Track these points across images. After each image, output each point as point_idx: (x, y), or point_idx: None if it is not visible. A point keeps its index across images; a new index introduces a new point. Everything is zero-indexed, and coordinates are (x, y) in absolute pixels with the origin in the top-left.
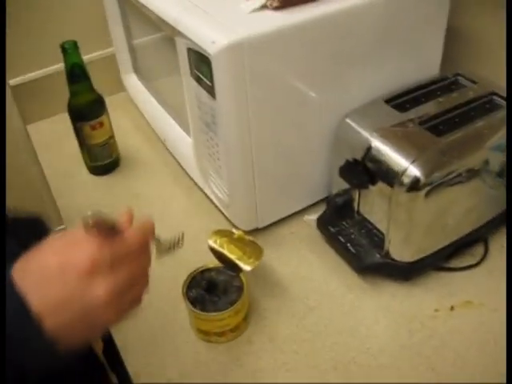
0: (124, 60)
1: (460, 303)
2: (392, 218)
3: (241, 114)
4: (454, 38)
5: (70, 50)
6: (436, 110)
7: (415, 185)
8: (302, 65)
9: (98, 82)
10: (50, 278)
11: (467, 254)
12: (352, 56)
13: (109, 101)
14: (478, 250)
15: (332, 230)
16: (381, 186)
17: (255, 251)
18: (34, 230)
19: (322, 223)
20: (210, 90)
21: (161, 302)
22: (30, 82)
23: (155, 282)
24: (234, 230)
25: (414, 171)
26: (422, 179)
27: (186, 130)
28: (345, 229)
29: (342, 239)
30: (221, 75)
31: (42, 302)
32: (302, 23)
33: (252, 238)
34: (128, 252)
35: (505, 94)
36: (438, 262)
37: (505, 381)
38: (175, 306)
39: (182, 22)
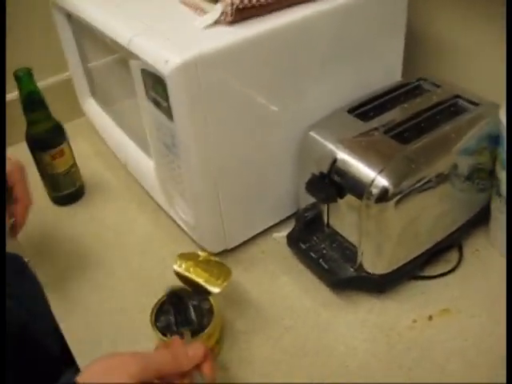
0: (81, 84)
1: (437, 312)
2: (363, 231)
3: (200, 134)
4: (414, 43)
5: (24, 78)
6: (400, 116)
7: (384, 195)
8: (258, 79)
9: (56, 109)
10: None
11: (442, 260)
12: (308, 67)
13: (68, 127)
14: (453, 255)
15: (303, 246)
16: (349, 198)
17: (223, 272)
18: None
19: (292, 240)
20: (167, 112)
21: (130, 332)
22: None
23: (123, 312)
24: (199, 252)
25: (381, 181)
26: (391, 189)
27: (148, 152)
28: (316, 244)
29: (314, 255)
30: (176, 95)
31: None
32: (254, 37)
33: (218, 259)
34: None
35: (468, 97)
36: (413, 271)
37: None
38: (146, 335)
39: (134, 42)
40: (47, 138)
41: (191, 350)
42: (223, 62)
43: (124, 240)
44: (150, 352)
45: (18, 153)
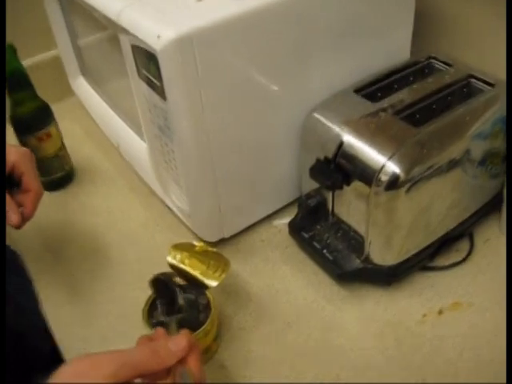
0: (70, 63)
1: (448, 305)
2: (371, 220)
3: (195, 115)
4: (422, 19)
5: (7, 55)
6: (411, 97)
7: (394, 182)
8: (260, 56)
9: (43, 88)
10: None
11: (452, 250)
12: (315, 44)
13: (56, 108)
14: (464, 245)
15: (305, 235)
16: (356, 185)
17: (221, 264)
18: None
19: (294, 228)
20: (160, 91)
21: (123, 327)
22: None
23: (115, 306)
24: (195, 243)
25: (392, 167)
26: (402, 176)
27: (141, 135)
28: (319, 233)
29: (317, 245)
30: (169, 73)
31: None
32: (258, 10)
33: (216, 250)
34: None
35: (483, 77)
36: (422, 262)
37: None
38: (139, 330)
39: (124, 16)
40: (33, 120)
41: (173, 343)
42: (222, 37)
43: (117, 228)
44: (126, 349)
45: None
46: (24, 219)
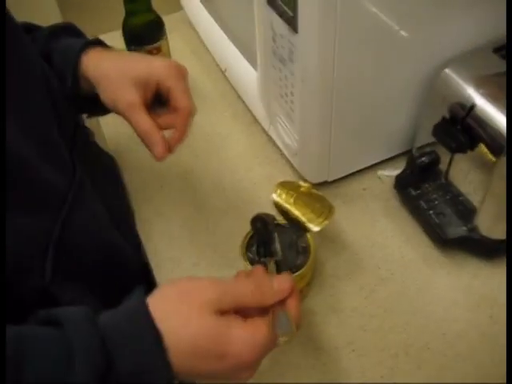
0: None
1: None
2: (490, 191)
3: (325, 52)
4: None
5: None
6: None
7: None
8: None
9: (155, 1)
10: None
11: None
12: None
13: (164, 21)
14: None
15: (413, 192)
16: (482, 151)
17: (325, 209)
18: (72, 32)
19: (401, 183)
20: (291, 22)
21: (214, 259)
22: None
23: (208, 233)
24: (300, 183)
25: None
26: None
27: (252, 61)
28: (427, 193)
29: (424, 205)
30: (307, 5)
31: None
32: None
33: (321, 194)
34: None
35: None
36: None
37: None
38: (232, 265)
39: None
40: (145, 32)
41: (277, 283)
42: None
43: (214, 154)
44: (231, 279)
45: (112, 42)
46: (173, 143)
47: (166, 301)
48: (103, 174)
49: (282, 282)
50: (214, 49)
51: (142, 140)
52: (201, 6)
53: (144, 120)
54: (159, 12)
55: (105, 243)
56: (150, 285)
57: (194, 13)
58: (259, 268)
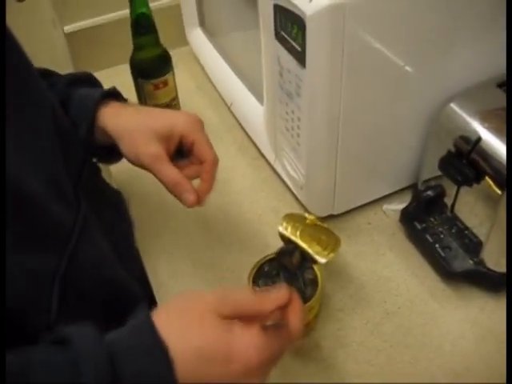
0: (190, 11)
1: None
2: (496, 224)
3: (333, 87)
4: None
5: None
6: None
7: None
8: (407, 36)
9: (160, 34)
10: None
11: None
12: (464, 28)
13: (172, 55)
14: None
15: (418, 226)
16: (487, 185)
17: (331, 241)
18: (90, 82)
19: (407, 217)
20: (300, 57)
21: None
22: (88, 29)
23: (211, 267)
24: (306, 215)
25: None
26: None
27: (257, 95)
28: (433, 226)
29: (430, 238)
30: (316, 40)
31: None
32: None
33: (326, 226)
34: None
35: None
36: None
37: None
38: None
39: None
40: (152, 66)
41: (273, 291)
42: (376, 10)
43: (220, 187)
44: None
45: (119, 75)
46: (202, 195)
47: (170, 313)
48: (109, 209)
49: (278, 290)
50: (220, 83)
51: (171, 190)
52: (206, 40)
53: (171, 171)
54: (166, 46)
55: (110, 279)
56: None
57: (199, 47)
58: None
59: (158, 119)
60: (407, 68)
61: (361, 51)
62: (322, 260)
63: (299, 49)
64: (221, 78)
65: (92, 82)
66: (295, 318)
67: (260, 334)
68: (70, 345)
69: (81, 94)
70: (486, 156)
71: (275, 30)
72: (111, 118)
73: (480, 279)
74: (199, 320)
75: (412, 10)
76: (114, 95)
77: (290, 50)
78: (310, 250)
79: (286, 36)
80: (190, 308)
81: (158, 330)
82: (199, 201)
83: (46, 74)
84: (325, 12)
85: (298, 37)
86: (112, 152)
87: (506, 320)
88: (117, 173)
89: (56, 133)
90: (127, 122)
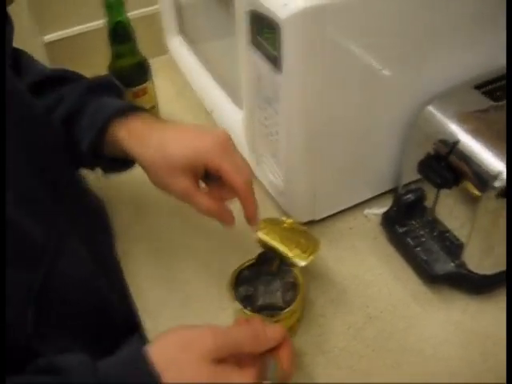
0: (169, 19)
1: None
2: (476, 226)
3: (309, 91)
4: None
5: (115, 6)
6: None
7: None
8: (384, 39)
9: (140, 43)
10: None
11: None
12: (440, 33)
13: (152, 63)
14: None
15: (399, 229)
16: (467, 187)
17: (310, 244)
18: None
19: (388, 221)
20: (275, 62)
21: (202, 299)
22: (67, 38)
23: (195, 274)
24: (283, 219)
25: None
26: None
27: (237, 101)
28: (414, 229)
29: (411, 241)
30: (291, 45)
31: None
32: None
33: (305, 228)
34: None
35: None
36: None
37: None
38: (218, 305)
39: None
40: (131, 74)
41: (270, 330)
42: (352, 14)
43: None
44: (228, 327)
45: None
46: (250, 219)
47: (167, 350)
48: (90, 220)
49: (275, 330)
50: (200, 90)
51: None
52: (186, 47)
53: (203, 201)
54: (145, 54)
55: (90, 293)
56: (137, 330)
57: (179, 55)
58: (258, 317)
59: (181, 151)
60: (385, 71)
61: (337, 55)
62: (301, 263)
63: (275, 54)
64: (201, 85)
65: (113, 89)
66: (288, 359)
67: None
68: (63, 378)
69: (96, 105)
70: (465, 158)
71: (251, 35)
72: (135, 143)
73: (462, 282)
74: (197, 364)
75: (389, 13)
76: (131, 108)
77: (266, 55)
78: (289, 254)
79: (261, 41)
80: (189, 350)
81: (153, 365)
82: (251, 224)
83: (63, 79)
84: (299, 16)
85: (273, 42)
86: (123, 163)
87: (506, 320)
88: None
89: (33, 144)
90: (152, 154)
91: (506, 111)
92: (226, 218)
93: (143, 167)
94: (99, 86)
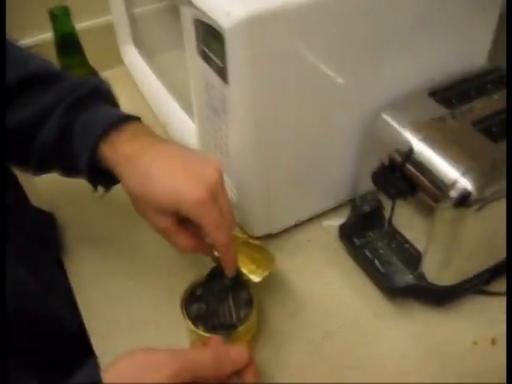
0: (123, 30)
1: (502, 335)
2: (432, 236)
3: (257, 102)
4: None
5: (60, 18)
6: (490, 108)
7: (465, 200)
8: (333, 45)
9: (93, 55)
10: None
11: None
12: (388, 38)
13: (105, 76)
14: None
15: (357, 241)
16: (422, 197)
17: (265, 259)
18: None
19: (345, 233)
20: (221, 72)
21: (153, 315)
22: None
23: (147, 292)
24: (238, 234)
25: (464, 184)
26: (474, 194)
27: (191, 114)
28: (372, 241)
29: (369, 254)
30: (236, 55)
31: None
32: None
33: (259, 243)
34: None
35: None
36: (478, 285)
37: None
38: (173, 324)
39: None
40: None
41: (234, 352)
42: (297, 22)
43: None
44: (188, 350)
45: None
46: (228, 269)
47: (122, 377)
48: (34, 238)
49: (239, 352)
50: (154, 102)
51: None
52: (140, 59)
53: (180, 241)
54: (100, 67)
55: (35, 313)
56: (88, 349)
57: (134, 66)
58: (216, 337)
59: (165, 193)
60: (336, 78)
61: (285, 63)
62: (256, 279)
63: (221, 64)
64: (155, 97)
65: (105, 96)
66: (253, 379)
67: None
68: None
69: (87, 120)
70: (420, 168)
71: (197, 45)
72: (120, 166)
73: (422, 294)
74: None
75: (338, 19)
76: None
77: (213, 65)
78: (243, 269)
79: (207, 51)
80: (147, 378)
81: None
82: (227, 273)
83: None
84: (243, 25)
85: (218, 52)
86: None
87: (506, 320)
88: (45, 192)
89: None
90: (135, 185)
91: (506, 113)
92: (208, 253)
93: (126, 192)
94: (86, 96)
